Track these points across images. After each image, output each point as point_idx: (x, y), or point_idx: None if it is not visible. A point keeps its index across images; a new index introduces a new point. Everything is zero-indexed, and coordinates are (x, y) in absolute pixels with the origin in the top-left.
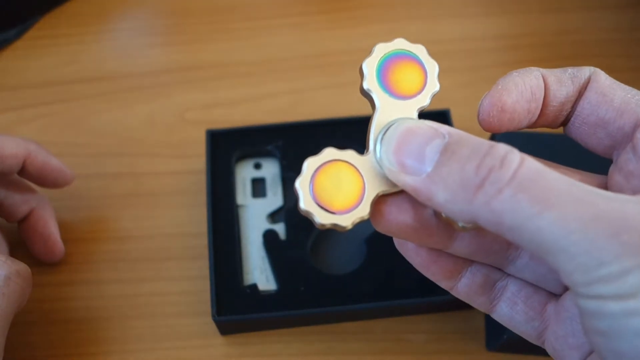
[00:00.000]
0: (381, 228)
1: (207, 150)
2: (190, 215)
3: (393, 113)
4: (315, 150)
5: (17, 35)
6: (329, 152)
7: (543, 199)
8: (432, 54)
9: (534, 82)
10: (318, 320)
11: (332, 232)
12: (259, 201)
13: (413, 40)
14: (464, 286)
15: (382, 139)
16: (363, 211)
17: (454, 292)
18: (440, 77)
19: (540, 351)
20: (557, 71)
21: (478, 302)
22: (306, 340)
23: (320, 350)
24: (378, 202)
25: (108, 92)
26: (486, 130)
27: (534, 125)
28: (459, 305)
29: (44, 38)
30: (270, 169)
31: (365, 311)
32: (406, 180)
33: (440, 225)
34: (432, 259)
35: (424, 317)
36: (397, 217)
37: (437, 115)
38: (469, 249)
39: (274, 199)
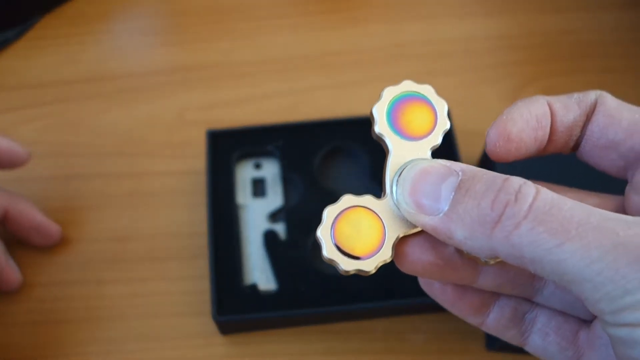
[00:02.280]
0: (405, 269)
1: (207, 150)
2: (190, 215)
3: (406, 154)
4: (315, 150)
5: (17, 35)
6: (347, 199)
7: (561, 230)
8: (432, 54)
9: (539, 110)
10: (318, 320)
11: None
12: (259, 201)
13: (412, 40)
14: (492, 321)
15: (397, 181)
16: (385, 254)
17: (483, 328)
18: (440, 77)
19: None
20: (563, 97)
21: (509, 336)
22: (306, 340)
23: (320, 350)
24: (400, 243)
25: (108, 92)
26: (495, 160)
27: (544, 152)
28: None
29: (44, 38)
30: (270, 169)
31: (365, 311)
32: (425, 221)
33: (463, 260)
34: (458, 296)
35: (424, 317)
36: (421, 257)
37: None
38: (494, 282)
39: (274, 199)
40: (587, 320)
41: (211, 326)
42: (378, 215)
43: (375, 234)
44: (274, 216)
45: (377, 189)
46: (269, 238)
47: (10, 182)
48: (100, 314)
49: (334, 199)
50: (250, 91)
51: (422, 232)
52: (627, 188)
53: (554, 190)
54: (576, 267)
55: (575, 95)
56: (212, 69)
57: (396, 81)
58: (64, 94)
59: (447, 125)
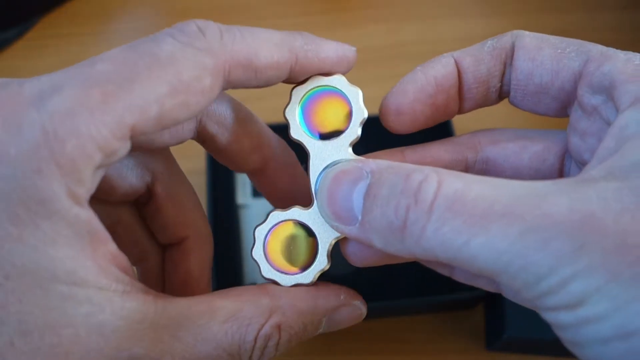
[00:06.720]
0: (359, 265)
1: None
2: None
3: (326, 156)
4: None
5: (17, 35)
6: (274, 216)
7: (466, 227)
8: (432, 54)
9: (440, 72)
10: None
11: None
12: (259, 201)
13: (412, 40)
14: (459, 271)
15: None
16: (322, 263)
17: (455, 277)
18: None
19: (540, 351)
20: (474, 49)
21: (481, 283)
22: (306, 340)
23: (320, 350)
24: (343, 244)
25: None
26: (395, 133)
27: (461, 111)
28: (459, 305)
29: (44, 38)
30: None
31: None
32: (345, 231)
33: None
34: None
35: (424, 317)
36: (365, 254)
37: None
38: None
39: None
40: None
41: None
42: (308, 226)
43: (309, 245)
44: None
45: None
46: None
47: None
48: None
49: None
50: (250, 91)
51: None
52: (568, 128)
53: (496, 137)
54: (488, 261)
55: (489, 42)
56: None
57: (396, 81)
58: None
59: (364, 115)
